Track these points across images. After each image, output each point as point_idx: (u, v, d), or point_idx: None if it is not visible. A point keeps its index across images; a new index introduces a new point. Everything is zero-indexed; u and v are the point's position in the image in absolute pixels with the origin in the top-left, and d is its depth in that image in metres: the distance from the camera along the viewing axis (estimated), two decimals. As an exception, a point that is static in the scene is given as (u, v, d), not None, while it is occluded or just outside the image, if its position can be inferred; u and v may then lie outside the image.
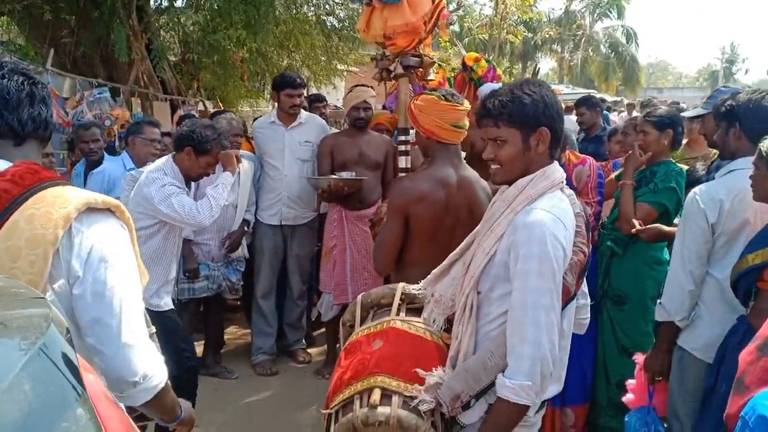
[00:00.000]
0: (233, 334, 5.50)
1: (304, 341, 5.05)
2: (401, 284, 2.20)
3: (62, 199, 1.43)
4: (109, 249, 1.46)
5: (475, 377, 1.76)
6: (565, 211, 1.80)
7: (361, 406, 1.81)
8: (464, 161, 2.87)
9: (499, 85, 5.09)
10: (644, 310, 3.28)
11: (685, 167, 3.53)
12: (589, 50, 28.93)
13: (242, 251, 4.59)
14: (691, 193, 2.63)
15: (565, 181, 1.88)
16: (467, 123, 2.74)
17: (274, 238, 4.62)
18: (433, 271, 2.11)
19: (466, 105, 2.75)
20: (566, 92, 16.80)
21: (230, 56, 7.47)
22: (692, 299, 2.60)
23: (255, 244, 4.69)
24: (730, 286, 2.47)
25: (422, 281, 2.18)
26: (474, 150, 4.64)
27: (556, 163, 1.88)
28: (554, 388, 1.91)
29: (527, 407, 1.70)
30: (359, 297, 2.22)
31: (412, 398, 1.80)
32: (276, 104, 4.71)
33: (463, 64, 5.09)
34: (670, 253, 2.96)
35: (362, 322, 2.14)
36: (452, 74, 4.88)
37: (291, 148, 4.52)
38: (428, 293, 2.09)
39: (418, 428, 1.76)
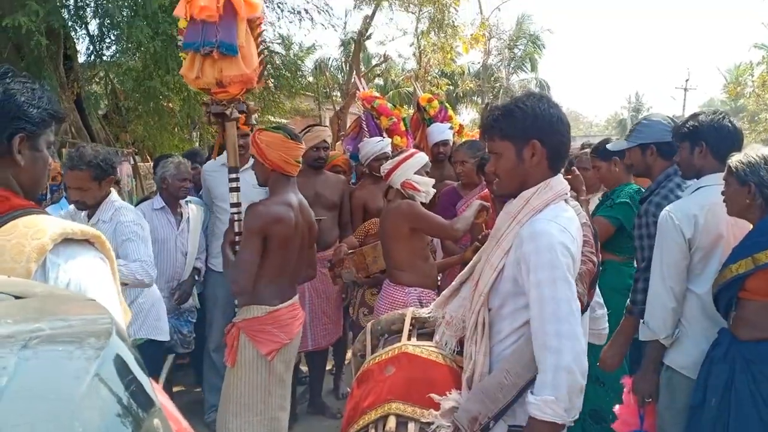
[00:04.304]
0: (182, 390, 5.15)
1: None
2: (411, 309, 2.15)
3: (36, 229, 1.28)
4: (89, 284, 1.31)
5: (492, 398, 1.70)
6: (570, 220, 1.80)
7: None
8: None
9: (448, 125, 5.19)
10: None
11: None
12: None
13: (193, 301, 4.35)
14: (664, 211, 2.68)
15: (569, 193, 1.88)
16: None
17: (227, 286, 4.36)
18: (443, 293, 2.07)
19: (304, 145, 3.23)
20: (489, 141, 17.34)
21: (164, 105, 7.28)
22: (675, 316, 2.62)
23: (206, 293, 4.44)
24: (712, 299, 2.51)
25: (432, 304, 2.11)
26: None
27: (560, 175, 1.88)
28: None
29: (561, 426, 1.63)
30: (368, 325, 2.18)
31: (429, 424, 1.74)
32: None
33: (418, 104, 5.15)
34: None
35: (373, 350, 2.05)
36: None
37: (244, 191, 4.33)
38: (439, 315, 2.04)
39: None
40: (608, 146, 3.54)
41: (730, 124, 2.68)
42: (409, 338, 2.02)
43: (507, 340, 1.79)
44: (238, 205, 3.54)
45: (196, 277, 4.32)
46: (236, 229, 3.39)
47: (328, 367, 4.87)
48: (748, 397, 2.33)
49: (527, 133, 1.79)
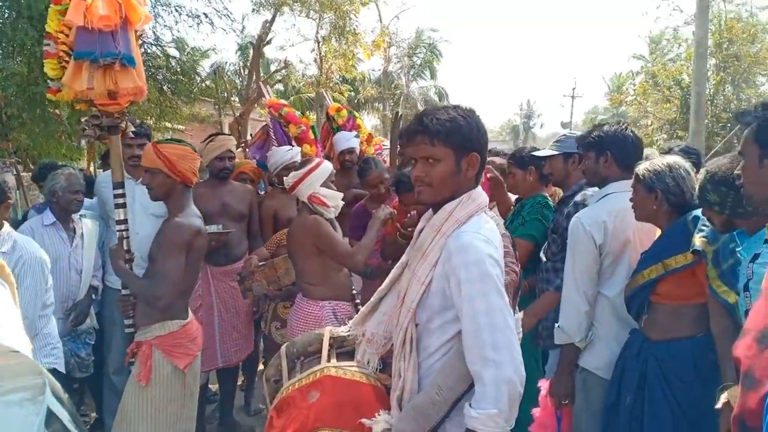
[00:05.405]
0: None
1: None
2: (328, 328, 2.07)
3: None
4: None
5: (425, 415, 1.68)
6: (493, 231, 1.81)
7: None
8: None
9: (353, 134, 5.16)
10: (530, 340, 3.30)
11: None
12: (407, 108, 30.67)
13: (91, 322, 4.05)
14: (574, 219, 2.76)
15: (488, 204, 1.90)
16: None
17: (126, 304, 4.12)
18: (361, 310, 2.02)
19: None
20: (387, 146, 17.53)
21: (50, 112, 6.77)
22: (588, 319, 2.70)
23: (104, 312, 4.15)
24: (625, 303, 2.61)
25: (350, 321, 2.06)
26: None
27: (480, 186, 1.89)
28: None
29: None
30: (282, 348, 2.09)
31: None
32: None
33: (327, 114, 5.08)
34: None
35: (290, 374, 1.95)
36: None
37: (142, 203, 4.09)
38: (358, 333, 1.99)
39: None
40: (535, 153, 3.59)
41: (632, 135, 2.81)
42: (328, 359, 1.96)
43: (435, 354, 1.76)
44: (124, 221, 3.36)
45: (93, 296, 4.03)
46: (125, 247, 3.24)
47: (238, 383, 4.70)
48: (660, 395, 2.43)
49: (471, 144, 1.81)
